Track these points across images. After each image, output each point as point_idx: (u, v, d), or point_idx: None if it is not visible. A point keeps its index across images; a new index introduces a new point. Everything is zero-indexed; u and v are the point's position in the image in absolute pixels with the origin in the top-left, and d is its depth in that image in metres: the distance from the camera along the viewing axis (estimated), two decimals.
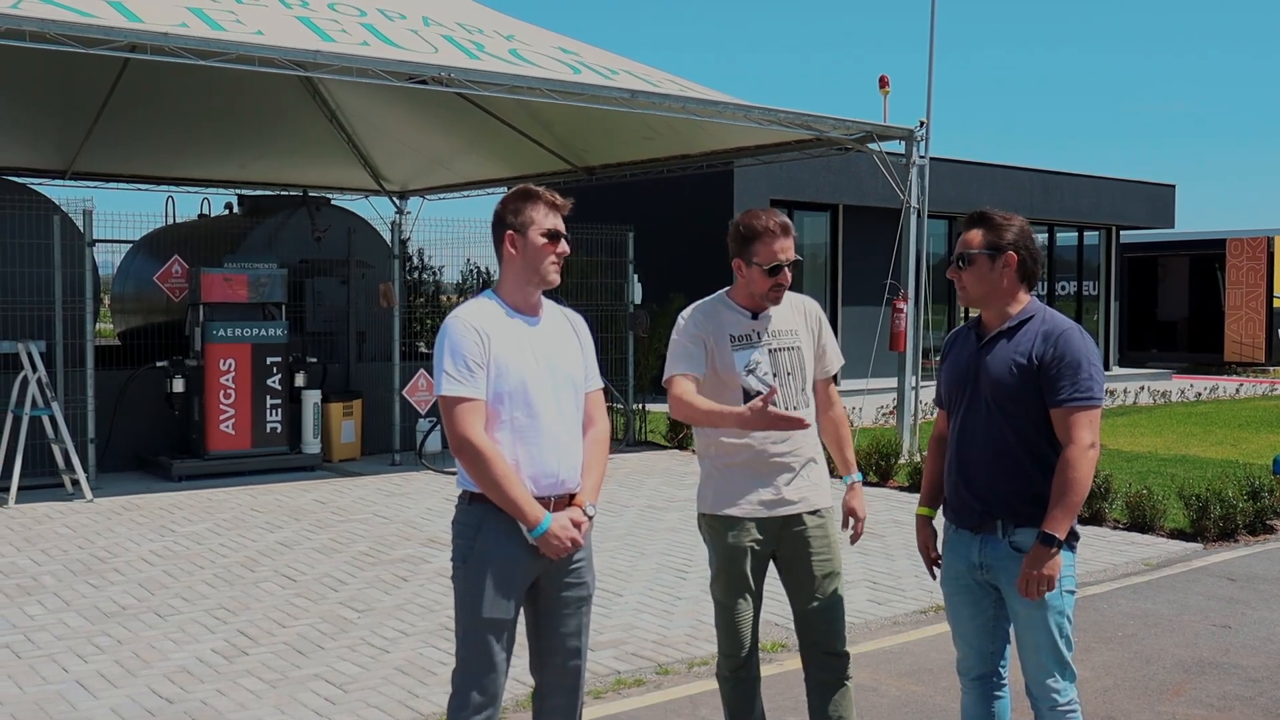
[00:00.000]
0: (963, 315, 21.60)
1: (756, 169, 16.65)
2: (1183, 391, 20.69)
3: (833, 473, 4.10)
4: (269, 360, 11.11)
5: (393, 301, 11.92)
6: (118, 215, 21.23)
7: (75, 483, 9.67)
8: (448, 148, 16.06)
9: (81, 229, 10.43)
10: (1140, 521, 8.71)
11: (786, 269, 3.87)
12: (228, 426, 10.89)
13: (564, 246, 3.49)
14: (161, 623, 6.12)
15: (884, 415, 14.66)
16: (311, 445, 11.50)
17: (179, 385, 10.96)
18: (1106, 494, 8.96)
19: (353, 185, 18.07)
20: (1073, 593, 3.58)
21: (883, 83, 12.33)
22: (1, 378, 10.15)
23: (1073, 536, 3.57)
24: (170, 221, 14.71)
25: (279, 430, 11.17)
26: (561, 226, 3.49)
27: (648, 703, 5.12)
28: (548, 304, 3.60)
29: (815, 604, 3.94)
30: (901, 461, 10.88)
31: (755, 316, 3.93)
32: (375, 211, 20.10)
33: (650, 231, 15.36)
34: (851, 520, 4.08)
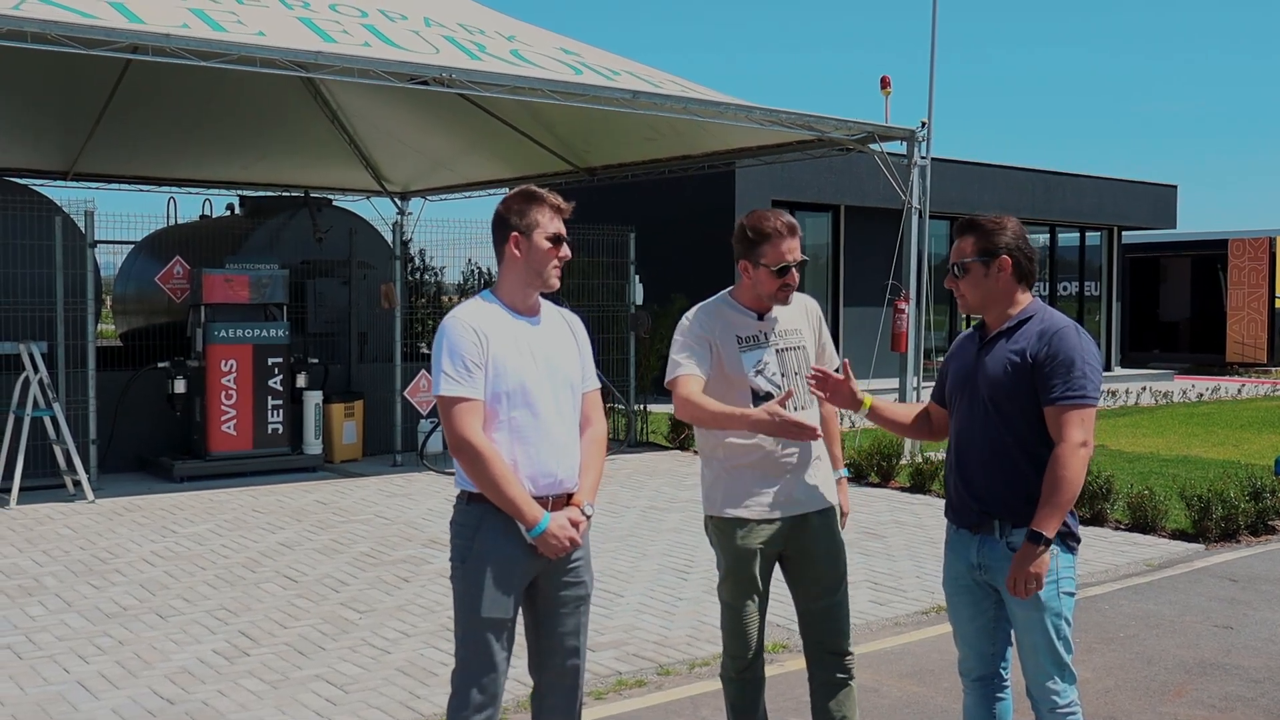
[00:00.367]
0: (964, 317, 21.61)
1: (758, 170, 16.65)
2: (1184, 392, 20.68)
3: None
4: (270, 361, 11.11)
5: (394, 302, 11.93)
6: (119, 216, 21.28)
7: (77, 483, 9.68)
8: (449, 148, 16.07)
9: (83, 230, 10.44)
10: (1142, 522, 8.71)
11: (794, 269, 3.87)
12: (229, 427, 10.90)
13: (566, 251, 3.50)
14: (163, 623, 6.13)
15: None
16: (313, 446, 11.51)
17: (180, 386, 10.97)
18: (1108, 494, 8.96)
19: (354, 186, 18.08)
20: (1071, 594, 3.57)
21: (884, 83, 12.33)
22: (3, 379, 10.16)
23: (1073, 539, 3.57)
24: (172, 222, 14.72)
25: (280, 431, 11.17)
26: (564, 230, 3.51)
27: (649, 703, 5.12)
28: (545, 304, 3.61)
29: (821, 603, 3.94)
30: (903, 462, 10.87)
31: (761, 317, 3.93)
32: (377, 212, 20.12)
33: (652, 232, 15.36)
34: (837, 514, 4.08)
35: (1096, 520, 8.93)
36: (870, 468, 10.68)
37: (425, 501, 9.74)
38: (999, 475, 3.56)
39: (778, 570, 4.01)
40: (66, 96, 13.99)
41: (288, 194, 15.45)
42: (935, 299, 13.19)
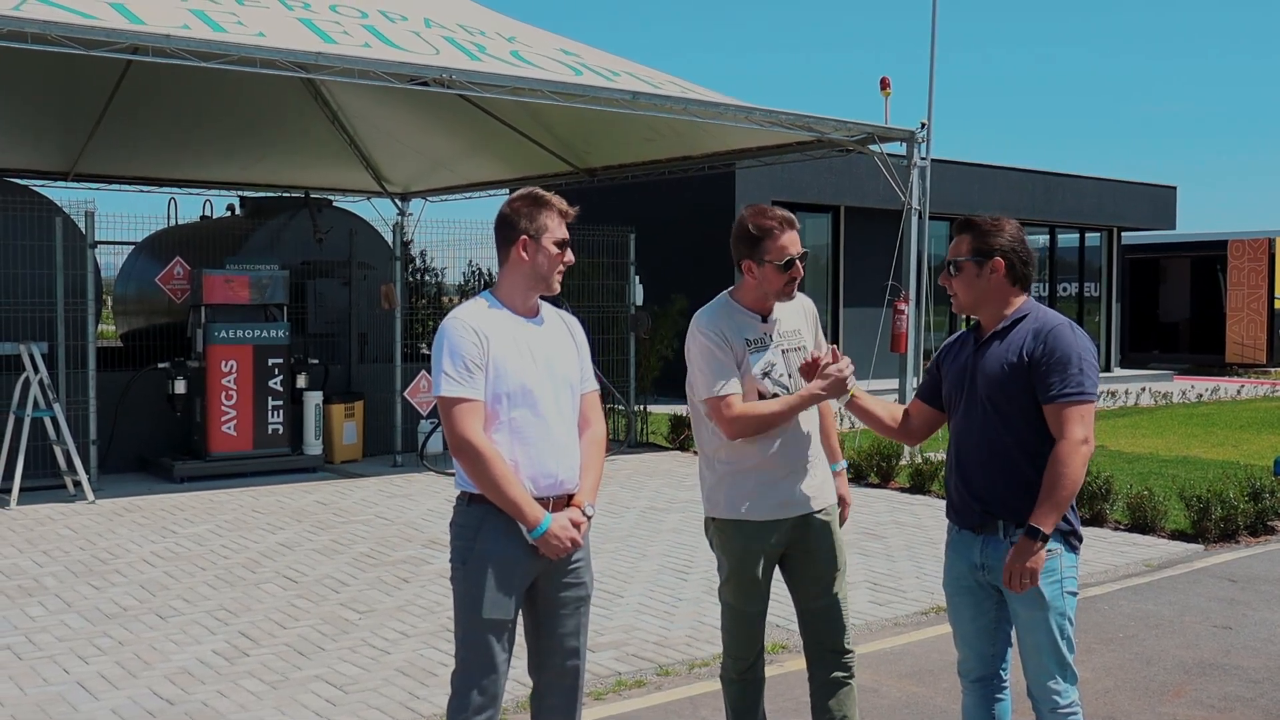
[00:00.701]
0: (965, 316, 21.59)
1: (758, 170, 16.65)
2: (1184, 393, 20.68)
3: None
4: (271, 362, 11.12)
5: (394, 303, 11.93)
6: (120, 217, 21.24)
7: (77, 484, 9.68)
8: (449, 149, 16.07)
9: (83, 230, 10.44)
10: (1141, 522, 8.71)
11: (799, 262, 3.85)
12: (229, 428, 10.90)
13: (570, 256, 3.53)
14: (163, 624, 6.13)
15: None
16: (313, 447, 11.51)
17: (181, 386, 10.97)
18: (1107, 495, 8.97)
19: (355, 187, 18.08)
20: (1074, 594, 3.58)
21: (884, 84, 12.33)
22: (3, 379, 10.16)
23: (1075, 538, 3.58)
24: (172, 223, 14.73)
25: (280, 432, 11.18)
26: (568, 235, 3.52)
27: (648, 704, 5.12)
28: (544, 306, 3.61)
29: (822, 602, 3.94)
30: (903, 463, 10.88)
31: (764, 319, 3.91)
32: (377, 213, 20.08)
33: (651, 233, 15.37)
34: (839, 506, 4.09)
35: (1096, 520, 8.94)
36: (870, 468, 10.69)
37: (425, 502, 9.74)
38: (999, 475, 3.57)
39: (780, 570, 4.02)
40: (67, 97, 14.00)
41: (288, 195, 15.45)
42: (935, 300, 13.19)
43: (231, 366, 10.91)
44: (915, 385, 12.20)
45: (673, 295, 13.86)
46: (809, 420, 3.92)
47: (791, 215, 3.90)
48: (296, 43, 9.32)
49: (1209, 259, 28.73)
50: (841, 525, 4.12)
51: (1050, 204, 22.57)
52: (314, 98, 15.30)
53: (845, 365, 3.80)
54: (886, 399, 4.30)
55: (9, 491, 9.40)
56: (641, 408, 13.58)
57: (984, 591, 3.68)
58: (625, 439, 13.15)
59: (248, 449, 10.98)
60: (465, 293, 17.17)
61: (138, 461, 11.20)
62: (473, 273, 16.94)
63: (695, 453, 13.36)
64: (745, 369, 3.85)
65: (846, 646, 3.98)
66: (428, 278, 17.49)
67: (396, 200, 18.44)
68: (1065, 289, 24.36)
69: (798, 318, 4.00)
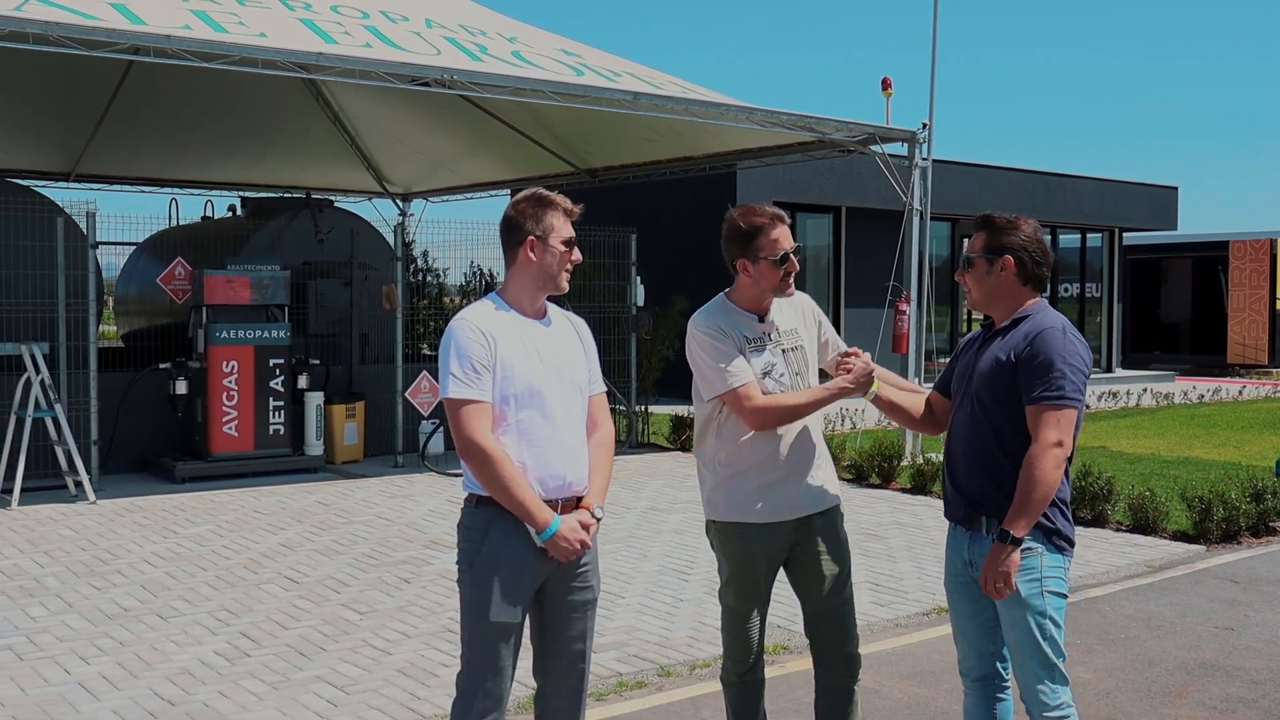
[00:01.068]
0: (965, 316, 21.61)
1: (759, 171, 16.65)
2: (1185, 393, 20.67)
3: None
4: (272, 362, 11.12)
5: (395, 303, 11.93)
6: (121, 217, 21.31)
7: (78, 484, 9.68)
8: (450, 150, 16.08)
9: (85, 231, 10.44)
10: (1143, 523, 8.71)
11: (793, 256, 3.83)
12: (230, 428, 10.90)
13: (578, 255, 3.51)
14: (164, 624, 6.13)
15: (886, 417, 14.68)
16: (314, 447, 11.51)
17: (182, 387, 10.97)
18: (1109, 495, 8.96)
19: (356, 187, 18.09)
20: (1060, 595, 3.56)
21: (885, 85, 12.33)
22: (5, 379, 10.16)
23: (1061, 538, 3.57)
24: (173, 223, 14.73)
25: (282, 432, 11.18)
26: (574, 234, 3.51)
27: (649, 704, 5.12)
28: (552, 308, 3.60)
29: (827, 605, 3.92)
30: (904, 463, 10.87)
31: (762, 319, 3.90)
32: (378, 213, 20.06)
33: (653, 233, 15.36)
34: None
35: (1097, 521, 8.94)
36: (871, 469, 10.68)
37: (426, 503, 9.74)
38: (984, 472, 3.58)
39: (785, 572, 4.00)
40: (68, 98, 14.01)
41: (289, 195, 15.47)
42: (936, 300, 13.20)
43: (233, 367, 10.91)
44: (916, 385, 12.18)
45: (674, 296, 13.86)
46: (811, 422, 3.91)
47: (780, 210, 3.89)
48: (298, 43, 9.32)
49: (1210, 259, 28.72)
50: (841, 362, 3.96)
51: (1051, 204, 22.56)
52: (315, 98, 15.31)
53: (869, 360, 3.84)
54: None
55: (10, 492, 9.40)
56: (643, 408, 13.58)
57: (978, 588, 3.68)
58: (626, 439, 13.14)
59: (249, 449, 10.98)
60: (467, 293, 17.18)
61: (139, 462, 11.20)
62: (474, 273, 16.94)
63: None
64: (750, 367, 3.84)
65: (853, 651, 3.96)
66: (429, 278, 17.49)
67: (398, 201, 18.45)
68: (1066, 289, 24.36)
69: (795, 317, 3.98)
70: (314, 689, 5.18)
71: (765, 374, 3.83)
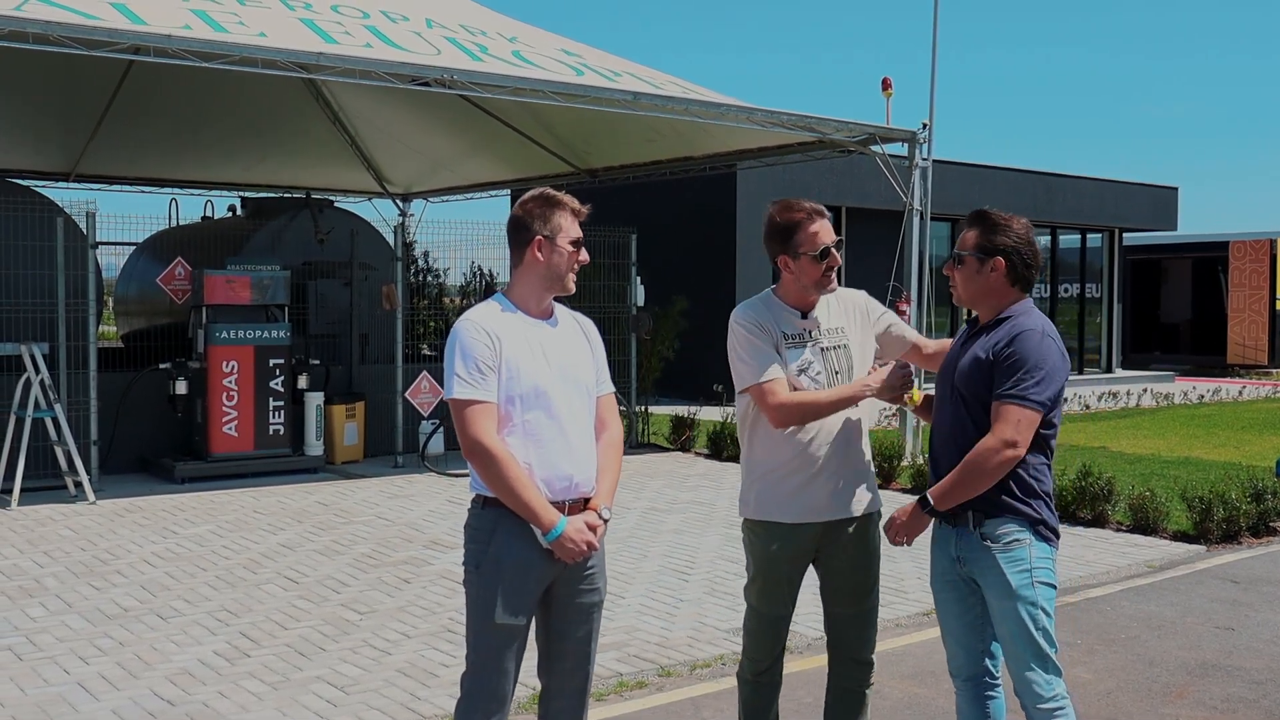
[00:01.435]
0: (966, 315, 21.59)
1: (759, 171, 16.64)
2: (1185, 394, 20.68)
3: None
4: (272, 362, 11.12)
5: (395, 304, 11.93)
6: (121, 217, 21.32)
7: (78, 485, 9.68)
8: (451, 150, 16.07)
9: (85, 231, 10.44)
10: (1143, 523, 8.71)
11: (834, 251, 3.78)
12: (230, 428, 10.90)
13: (585, 255, 3.50)
14: (163, 625, 6.12)
15: (887, 417, 14.66)
16: (314, 447, 11.51)
17: (182, 387, 10.97)
18: (1109, 496, 8.96)
19: (356, 187, 18.09)
20: (1050, 586, 3.58)
21: (885, 85, 12.32)
22: (4, 379, 10.16)
23: (1046, 528, 3.59)
24: (173, 224, 14.74)
25: (281, 432, 11.17)
26: (582, 234, 3.50)
27: (650, 705, 5.11)
28: (559, 308, 3.58)
29: (849, 611, 3.91)
30: (904, 464, 10.87)
31: (805, 315, 3.84)
32: (378, 214, 20.07)
33: (653, 234, 15.36)
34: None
35: (1098, 521, 8.93)
36: None
37: (426, 503, 9.74)
38: None
39: (814, 572, 3.96)
40: (68, 98, 14.01)
41: (289, 195, 15.47)
42: (936, 300, 13.17)
43: (233, 367, 10.91)
44: (917, 384, 12.18)
45: (674, 296, 13.86)
46: (848, 426, 3.83)
47: (819, 205, 3.84)
48: (298, 43, 9.32)
49: (1210, 260, 28.73)
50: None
51: (1051, 205, 22.57)
52: (315, 98, 15.31)
53: (906, 366, 3.80)
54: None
55: (10, 492, 9.39)
56: (643, 408, 13.57)
57: (967, 586, 3.70)
58: (626, 440, 13.14)
59: (249, 450, 10.98)
60: (467, 294, 17.17)
61: (139, 462, 11.20)
62: (474, 274, 16.94)
63: (696, 454, 13.39)
64: (782, 363, 3.79)
65: (868, 657, 3.95)
66: (429, 278, 17.49)
67: (398, 201, 18.44)
68: (1066, 290, 24.36)
69: (843, 315, 3.90)
70: (314, 689, 5.18)
71: (801, 371, 3.77)
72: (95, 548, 7.92)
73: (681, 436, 13.06)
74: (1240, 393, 21.34)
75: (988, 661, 3.77)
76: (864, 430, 3.92)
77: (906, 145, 12.22)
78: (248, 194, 15.96)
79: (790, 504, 3.80)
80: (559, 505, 3.38)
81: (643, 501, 9.79)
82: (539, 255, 3.44)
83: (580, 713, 3.58)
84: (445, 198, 18.27)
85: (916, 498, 3.65)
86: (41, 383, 9.70)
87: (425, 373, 11.88)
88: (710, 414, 14.06)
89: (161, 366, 11.27)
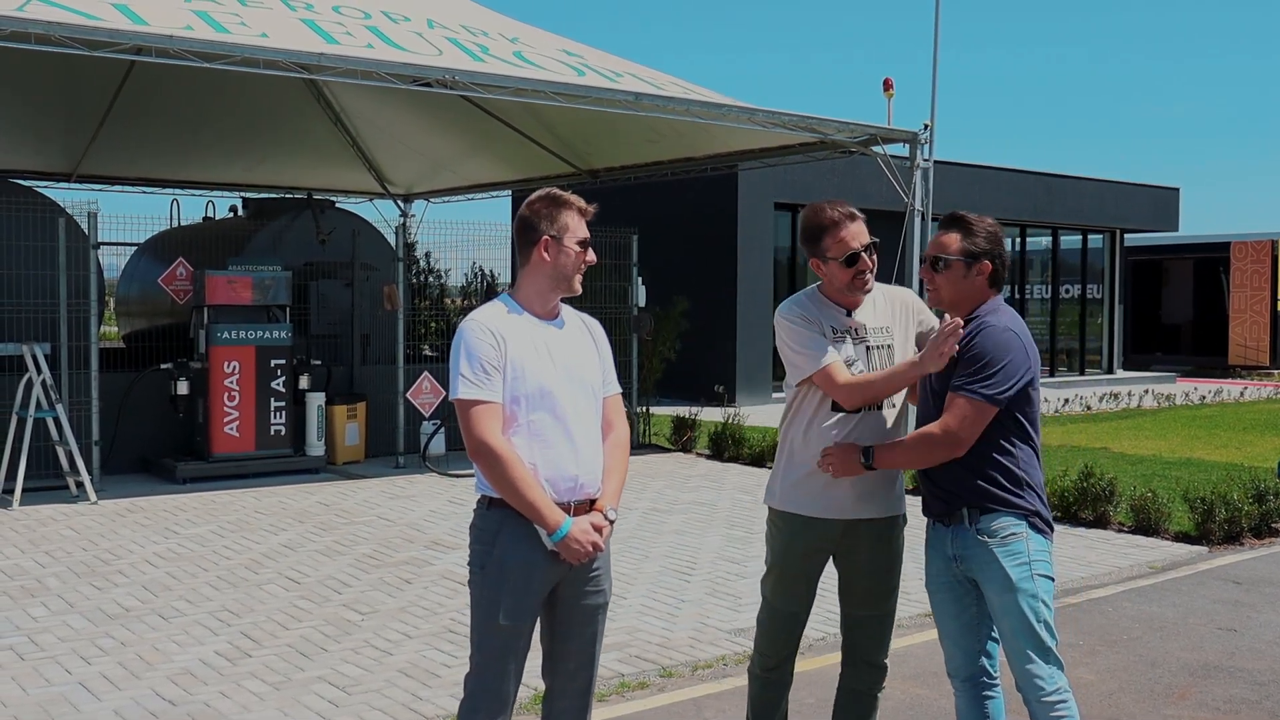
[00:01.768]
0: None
1: (761, 172, 16.65)
2: (1187, 395, 20.66)
3: None
4: (273, 363, 11.12)
5: (397, 304, 11.93)
6: (122, 218, 21.30)
7: (79, 485, 9.68)
8: (452, 150, 16.07)
9: (86, 231, 10.44)
10: (1145, 524, 8.70)
11: (864, 255, 3.75)
12: (232, 429, 10.90)
13: (592, 255, 3.49)
14: (165, 625, 6.12)
15: None
16: (315, 448, 11.51)
17: (183, 387, 10.97)
18: (1111, 497, 8.95)
19: (357, 188, 18.09)
20: (1048, 578, 3.60)
21: (886, 86, 12.31)
22: (6, 380, 10.16)
23: (1043, 521, 3.63)
24: (175, 224, 14.74)
25: (283, 433, 11.17)
26: (589, 234, 3.49)
27: (651, 705, 5.11)
28: (565, 309, 3.57)
29: (867, 613, 3.90)
30: None
31: (849, 313, 3.82)
32: (380, 214, 20.08)
33: (654, 234, 15.36)
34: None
35: (1100, 522, 8.93)
36: None
37: (428, 503, 9.74)
38: (954, 466, 3.61)
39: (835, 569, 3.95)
40: (70, 98, 14.01)
41: (290, 196, 15.47)
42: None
43: (234, 367, 10.91)
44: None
45: (675, 297, 13.85)
46: (882, 428, 3.81)
47: (853, 208, 3.80)
48: (299, 43, 9.32)
49: (1212, 261, 28.72)
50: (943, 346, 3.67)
51: (1053, 205, 22.56)
52: (316, 99, 15.31)
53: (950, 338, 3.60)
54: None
55: (12, 492, 9.39)
56: (644, 409, 13.57)
57: (962, 587, 3.71)
58: None
59: (250, 450, 10.98)
60: (468, 294, 17.17)
61: (140, 462, 11.20)
62: (475, 274, 16.94)
63: (697, 454, 13.38)
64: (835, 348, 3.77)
65: (880, 662, 3.95)
66: (430, 279, 17.49)
67: (399, 201, 18.44)
68: (1068, 291, 24.34)
69: (889, 315, 3.87)
70: (315, 689, 5.18)
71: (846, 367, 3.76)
72: (97, 548, 7.92)
73: (683, 437, 13.05)
74: (1242, 394, 21.33)
75: (985, 661, 3.78)
76: (899, 434, 3.87)
77: (908, 146, 12.21)
78: (249, 194, 15.95)
79: (814, 498, 3.80)
80: (564, 506, 3.37)
81: (644, 502, 9.79)
82: (545, 255, 3.43)
83: (584, 714, 3.58)
84: (446, 198, 18.27)
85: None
86: (43, 383, 9.70)
87: (426, 373, 11.88)
88: (711, 415, 14.06)
89: (163, 367, 11.26)
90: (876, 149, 12.34)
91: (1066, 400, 18.56)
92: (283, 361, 11.18)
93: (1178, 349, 29.40)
